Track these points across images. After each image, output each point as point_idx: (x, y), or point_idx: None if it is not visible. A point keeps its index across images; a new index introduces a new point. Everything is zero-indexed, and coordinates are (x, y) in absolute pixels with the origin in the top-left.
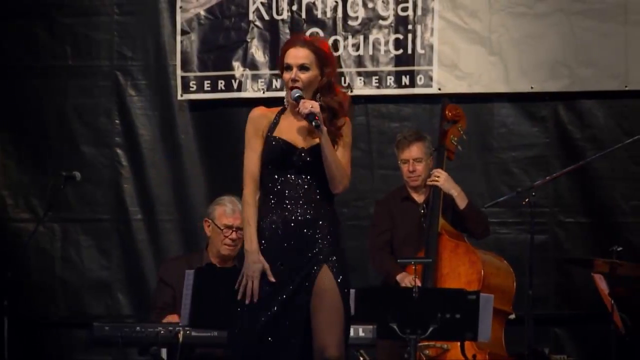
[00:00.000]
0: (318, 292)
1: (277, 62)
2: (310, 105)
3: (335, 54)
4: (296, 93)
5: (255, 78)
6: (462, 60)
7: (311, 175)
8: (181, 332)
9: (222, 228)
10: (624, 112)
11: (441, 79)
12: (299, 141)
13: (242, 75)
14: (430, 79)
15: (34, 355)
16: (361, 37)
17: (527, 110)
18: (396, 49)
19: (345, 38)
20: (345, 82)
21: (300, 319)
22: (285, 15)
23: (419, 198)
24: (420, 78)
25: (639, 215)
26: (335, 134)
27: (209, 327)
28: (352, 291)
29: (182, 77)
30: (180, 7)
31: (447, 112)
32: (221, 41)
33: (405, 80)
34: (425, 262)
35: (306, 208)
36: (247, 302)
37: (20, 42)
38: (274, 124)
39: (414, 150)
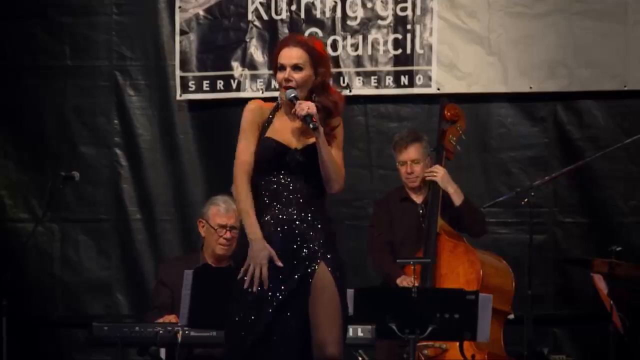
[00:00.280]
0: (316, 289)
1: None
2: (307, 107)
3: (334, 54)
4: (291, 93)
5: (254, 78)
6: (461, 60)
7: (304, 175)
8: (180, 332)
9: (215, 228)
10: (623, 112)
11: (440, 79)
12: (292, 141)
13: (241, 75)
14: (429, 79)
15: (32, 355)
16: (360, 37)
17: (526, 111)
18: (395, 48)
19: (344, 38)
20: (344, 82)
21: (299, 316)
22: (284, 15)
23: (418, 198)
24: (419, 78)
25: (638, 215)
26: (329, 135)
27: (208, 327)
28: (351, 291)
29: (181, 77)
30: (179, 7)
31: (445, 112)
32: (220, 41)
33: (404, 80)
34: (425, 262)
35: (300, 208)
36: (254, 289)
37: (19, 42)
38: (268, 122)
39: (412, 152)
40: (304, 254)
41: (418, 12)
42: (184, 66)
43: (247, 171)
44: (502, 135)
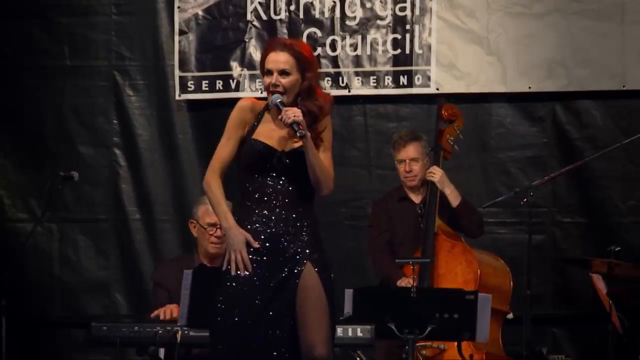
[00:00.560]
0: (302, 290)
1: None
2: (293, 114)
3: (333, 54)
4: (277, 99)
5: (253, 78)
6: (460, 60)
7: (291, 178)
8: (179, 332)
9: (205, 227)
10: (621, 112)
11: (439, 79)
12: (279, 144)
13: (240, 75)
14: (428, 78)
15: (31, 355)
16: (359, 37)
17: (525, 110)
18: (394, 48)
19: (343, 38)
20: (343, 82)
21: (286, 317)
22: (283, 15)
23: (416, 198)
24: (418, 78)
25: (637, 215)
26: (315, 139)
27: (207, 327)
28: (350, 291)
29: (180, 77)
30: (178, 7)
31: (443, 112)
32: (219, 41)
33: (403, 80)
34: (424, 262)
35: (286, 211)
36: (241, 273)
37: (18, 42)
38: (257, 121)
39: (410, 151)
40: (289, 254)
41: (417, 12)
42: (183, 66)
43: (219, 167)
44: (501, 135)
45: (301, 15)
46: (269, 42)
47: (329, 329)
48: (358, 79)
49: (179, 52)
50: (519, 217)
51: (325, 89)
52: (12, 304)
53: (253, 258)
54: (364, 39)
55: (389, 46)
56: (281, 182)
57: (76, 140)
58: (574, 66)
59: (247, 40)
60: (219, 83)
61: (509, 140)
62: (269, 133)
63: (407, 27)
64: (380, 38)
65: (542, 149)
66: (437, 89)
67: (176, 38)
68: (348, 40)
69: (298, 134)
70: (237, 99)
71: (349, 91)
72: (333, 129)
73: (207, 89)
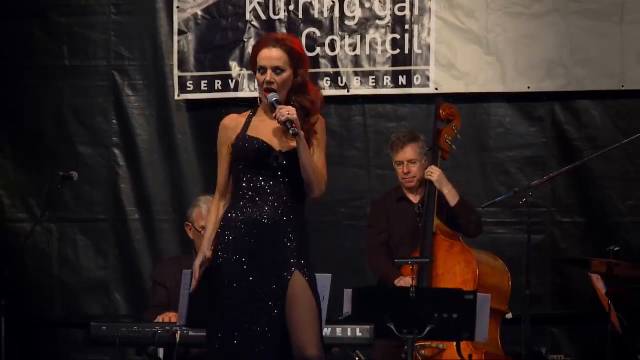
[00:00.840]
0: (291, 296)
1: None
2: (287, 112)
3: (332, 54)
4: (273, 97)
5: (252, 78)
6: (459, 60)
7: (284, 178)
8: (178, 332)
9: (200, 230)
10: (620, 111)
11: (438, 79)
12: (276, 144)
13: (239, 75)
14: (428, 78)
15: (31, 355)
16: (358, 37)
17: (524, 110)
18: (393, 49)
19: (342, 38)
20: (342, 82)
21: (275, 322)
22: (282, 15)
23: (415, 198)
24: (418, 78)
25: (636, 215)
26: (309, 132)
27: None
28: (349, 291)
29: (179, 77)
30: (178, 7)
31: (441, 112)
32: (218, 41)
33: (403, 80)
34: (423, 262)
35: (276, 210)
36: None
37: (17, 42)
38: (247, 124)
39: (408, 152)
40: (276, 258)
41: (416, 12)
42: (182, 66)
43: (220, 190)
44: (500, 135)
45: (300, 15)
46: (261, 39)
47: (319, 331)
48: (357, 79)
49: (178, 52)
50: (518, 217)
51: (324, 89)
52: (11, 304)
53: (240, 260)
54: (363, 39)
55: (388, 46)
56: (275, 181)
57: (75, 140)
58: (573, 66)
59: (246, 40)
60: (218, 83)
61: (508, 140)
62: (265, 130)
63: (406, 27)
64: (380, 38)
65: (541, 149)
66: (436, 89)
67: (175, 38)
68: (347, 40)
69: (291, 132)
70: (236, 99)
71: (348, 91)
72: (332, 128)
73: (206, 89)
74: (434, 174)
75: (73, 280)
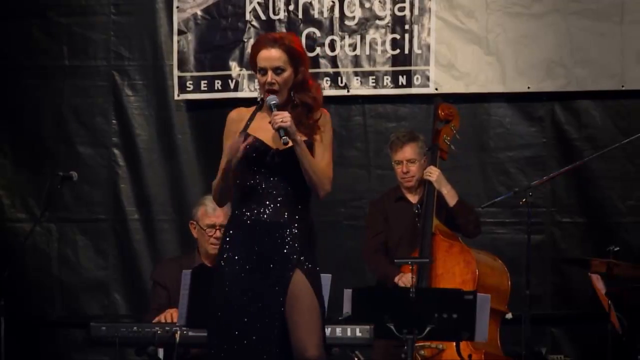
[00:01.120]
0: (292, 296)
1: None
2: (280, 119)
3: (332, 54)
4: (272, 100)
5: (251, 78)
6: (459, 60)
7: (284, 177)
8: (178, 332)
9: (205, 228)
10: (620, 111)
11: (438, 79)
12: (273, 142)
13: (239, 75)
14: (427, 78)
15: (30, 355)
16: (358, 37)
17: (524, 110)
18: (393, 48)
19: (342, 38)
20: (342, 82)
21: (274, 322)
22: (282, 15)
23: (413, 198)
24: (417, 78)
25: (636, 215)
26: (312, 128)
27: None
28: (349, 291)
29: (179, 77)
30: (177, 7)
31: (439, 112)
32: (218, 41)
33: (402, 80)
34: (423, 262)
35: (277, 209)
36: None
37: (17, 42)
38: (250, 120)
39: (407, 152)
40: (277, 257)
41: (416, 12)
42: (182, 66)
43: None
44: (500, 135)
45: (300, 15)
46: (259, 39)
47: (320, 332)
48: (357, 79)
49: (178, 52)
50: (518, 217)
51: (324, 89)
52: (11, 304)
53: (242, 259)
54: (362, 39)
55: (388, 46)
56: (274, 179)
57: (75, 140)
58: (573, 66)
59: (245, 40)
60: (218, 83)
61: (508, 140)
62: (264, 129)
63: (406, 27)
64: (379, 38)
65: (541, 149)
66: (436, 89)
67: (175, 38)
68: (347, 40)
69: (282, 141)
70: (236, 99)
71: (348, 91)
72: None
73: (205, 88)
74: (433, 174)
75: (73, 280)
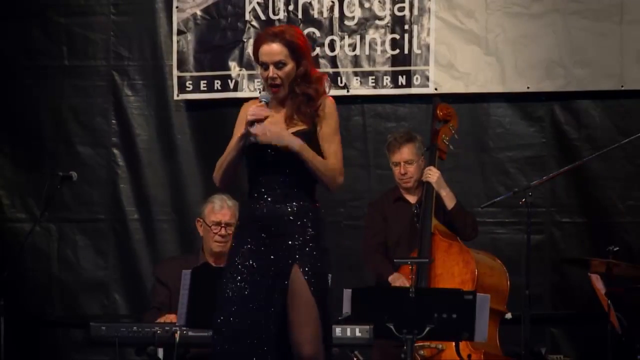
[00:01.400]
0: (290, 292)
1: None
2: (255, 132)
3: (332, 54)
4: (263, 97)
5: (251, 78)
6: (458, 60)
7: (286, 171)
8: (178, 332)
9: (210, 225)
10: (620, 112)
11: (438, 79)
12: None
13: (239, 75)
14: (427, 78)
15: (30, 355)
16: (357, 37)
17: (524, 110)
18: (393, 49)
19: (342, 38)
20: (341, 82)
21: (273, 318)
22: (282, 15)
23: (412, 198)
24: (417, 78)
25: (636, 215)
26: (312, 117)
27: (206, 327)
28: (349, 291)
29: (179, 77)
30: (177, 7)
31: (438, 112)
32: (217, 41)
33: (402, 80)
34: (423, 262)
35: (280, 204)
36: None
37: (16, 42)
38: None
39: (405, 153)
40: (279, 252)
41: (416, 12)
42: (182, 66)
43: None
44: (499, 135)
45: (300, 15)
46: (260, 34)
47: (316, 328)
48: (357, 79)
49: (178, 52)
50: (517, 217)
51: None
52: (10, 304)
53: (245, 255)
54: (362, 39)
55: (387, 46)
56: (277, 174)
57: (75, 140)
58: (573, 66)
59: (245, 40)
60: (217, 83)
61: (507, 140)
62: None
63: (406, 27)
64: (379, 38)
65: (540, 149)
66: (436, 89)
67: (174, 38)
68: (347, 40)
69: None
70: (235, 99)
71: (348, 91)
72: None
73: (205, 89)
74: (433, 175)
75: (72, 280)
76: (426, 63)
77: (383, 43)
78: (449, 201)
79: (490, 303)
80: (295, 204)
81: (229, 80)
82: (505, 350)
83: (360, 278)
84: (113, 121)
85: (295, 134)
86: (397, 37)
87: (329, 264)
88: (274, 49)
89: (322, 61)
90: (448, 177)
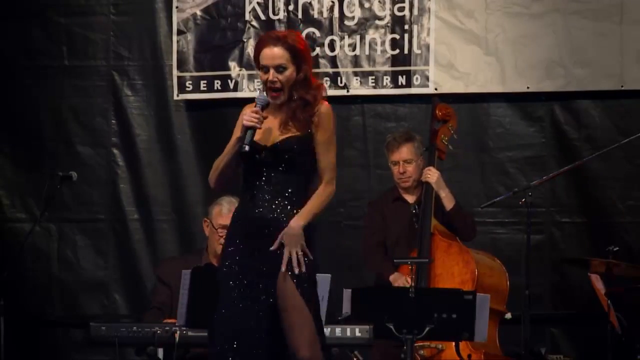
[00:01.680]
0: (280, 295)
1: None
2: (248, 119)
3: (332, 54)
4: (259, 101)
5: (251, 78)
6: (458, 60)
7: (275, 174)
8: (178, 332)
9: (217, 228)
10: (620, 112)
11: (437, 79)
12: (265, 139)
13: (239, 75)
14: (427, 78)
15: (30, 355)
16: (357, 37)
17: (524, 110)
18: (392, 49)
19: (342, 38)
20: (341, 82)
21: (263, 319)
22: (282, 15)
23: (411, 198)
24: (417, 78)
25: (635, 215)
26: (306, 123)
27: (206, 327)
28: (349, 291)
29: (179, 77)
30: (177, 7)
31: (437, 112)
32: (217, 41)
33: (402, 80)
34: (423, 262)
35: (271, 206)
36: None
37: (16, 42)
38: None
39: (404, 152)
40: (266, 257)
41: (415, 12)
42: (181, 66)
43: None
44: (499, 135)
45: (300, 15)
46: (262, 37)
47: (312, 331)
48: (356, 79)
49: (177, 52)
50: (517, 217)
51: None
52: (10, 304)
53: (236, 256)
54: (362, 39)
55: (387, 46)
56: (270, 177)
57: (74, 140)
58: (573, 66)
59: (245, 40)
60: (217, 83)
61: (507, 140)
62: (262, 126)
63: (406, 27)
64: (379, 38)
65: (540, 149)
66: (436, 89)
67: (174, 38)
68: (346, 40)
69: (245, 141)
70: (235, 99)
71: (348, 91)
72: None
73: (205, 89)
74: (433, 175)
75: (72, 280)
76: (426, 63)
77: (383, 43)
78: (448, 202)
79: (490, 303)
80: (288, 205)
81: (229, 80)
82: (505, 350)
83: (360, 278)
84: (113, 121)
85: (288, 140)
86: (397, 37)
87: (317, 266)
88: (275, 53)
89: (322, 61)
90: (447, 177)
